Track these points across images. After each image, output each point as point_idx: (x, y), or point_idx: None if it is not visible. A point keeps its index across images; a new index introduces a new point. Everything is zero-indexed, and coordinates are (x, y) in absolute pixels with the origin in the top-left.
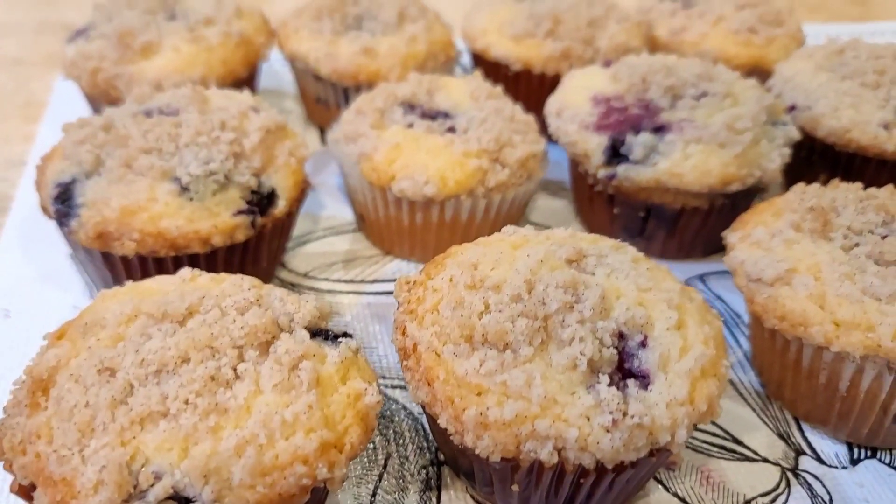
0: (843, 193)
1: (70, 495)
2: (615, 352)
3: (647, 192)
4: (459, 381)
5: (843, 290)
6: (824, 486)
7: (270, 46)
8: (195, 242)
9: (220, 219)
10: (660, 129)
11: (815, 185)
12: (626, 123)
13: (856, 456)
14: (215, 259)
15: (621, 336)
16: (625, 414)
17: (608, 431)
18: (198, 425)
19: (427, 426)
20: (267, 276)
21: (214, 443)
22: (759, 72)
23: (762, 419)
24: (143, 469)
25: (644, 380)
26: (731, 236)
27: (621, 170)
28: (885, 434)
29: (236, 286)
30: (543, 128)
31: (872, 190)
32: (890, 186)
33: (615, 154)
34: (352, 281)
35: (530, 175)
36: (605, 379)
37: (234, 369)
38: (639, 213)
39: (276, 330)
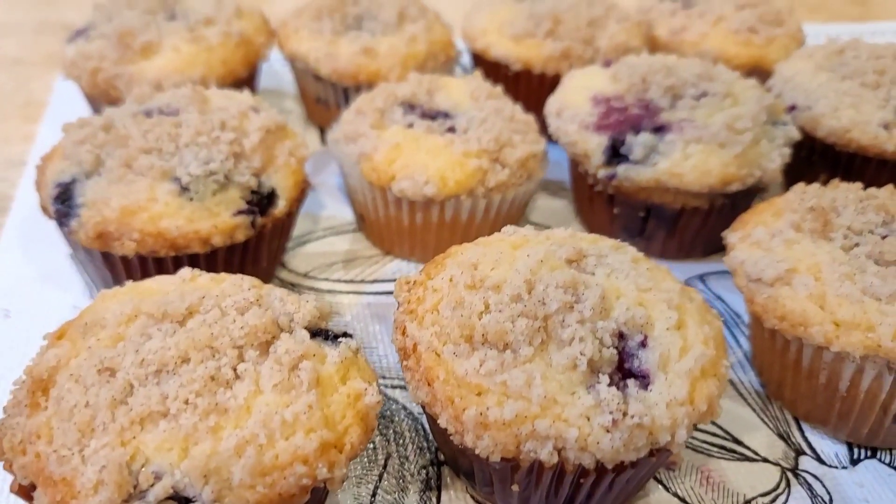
0: (844, 193)
1: (70, 495)
2: (615, 352)
3: (647, 192)
4: (459, 381)
5: (844, 290)
6: (824, 486)
7: (270, 46)
8: (195, 242)
9: (220, 219)
10: (660, 129)
11: (816, 185)
12: (626, 123)
13: (856, 456)
14: (215, 259)
15: (621, 336)
16: (625, 414)
17: (608, 431)
18: (198, 425)
19: (427, 426)
20: (267, 276)
21: (214, 443)
22: (759, 72)
23: (762, 419)
24: (143, 469)
25: (644, 380)
26: (731, 236)
27: (621, 170)
28: (886, 434)
29: (236, 286)
30: (543, 128)
31: (872, 190)
32: (890, 186)
33: (615, 154)
34: (352, 281)
35: (530, 175)
36: (605, 379)
37: (234, 369)
38: (639, 213)
39: (276, 330)
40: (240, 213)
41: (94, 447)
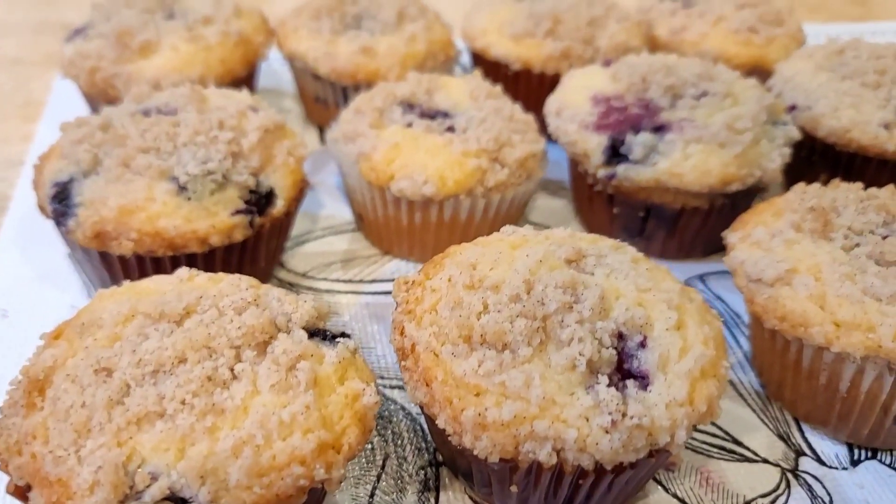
0: (844, 193)
1: (66, 496)
2: (614, 352)
3: (647, 192)
4: (458, 381)
5: (844, 291)
6: (824, 487)
7: (269, 46)
8: (193, 242)
9: (218, 218)
10: (660, 129)
11: (816, 185)
12: (625, 123)
13: (856, 457)
14: (213, 259)
15: (620, 336)
16: (624, 415)
17: (607, 432)
18: (195, 426)
19: (425, 427)
20: (265, 276)
21: (211, 443)
22: (760, 72)
23: (762, 420)
24: (140, 470)
25: (643, 380)
26: (731, 236)
27: (621, 169)
28: (886, 435)
29: (234, 286)
30: (543, 127)
31: (873, 190)
32: (890, 186)
33: (615, 154)
34: (350, 281)
35: (530, 175)
36: (604, 379)
37: (232, 369)
38: (638, 213)
39: (273, 330)
40: (238, 212)
41: (90, 448)
